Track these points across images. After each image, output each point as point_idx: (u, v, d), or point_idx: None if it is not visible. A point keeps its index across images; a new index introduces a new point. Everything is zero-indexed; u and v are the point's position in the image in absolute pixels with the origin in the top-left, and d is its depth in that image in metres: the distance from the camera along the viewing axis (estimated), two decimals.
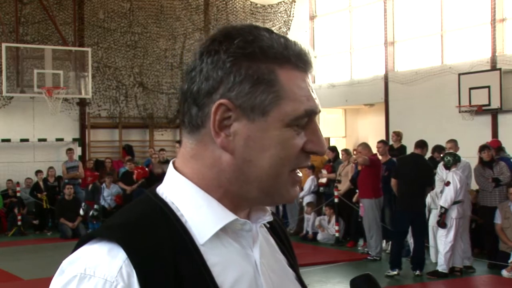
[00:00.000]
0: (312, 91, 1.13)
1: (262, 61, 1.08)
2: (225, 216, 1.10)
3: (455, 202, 9.16)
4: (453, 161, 9.34)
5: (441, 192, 9.42)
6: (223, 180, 1.10)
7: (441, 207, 9.21)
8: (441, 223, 9.20)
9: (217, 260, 1.08)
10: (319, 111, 1.14)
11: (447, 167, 9.36)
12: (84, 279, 1.01)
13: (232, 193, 1.11)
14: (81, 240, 1.09)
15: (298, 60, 1.12)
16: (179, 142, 11.45)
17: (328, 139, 18.30)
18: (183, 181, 1.13)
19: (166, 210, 1.10)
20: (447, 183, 9.20)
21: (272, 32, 1.12)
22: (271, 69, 1.09)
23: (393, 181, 9.80)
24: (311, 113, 1.11)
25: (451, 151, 9.81)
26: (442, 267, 9.25)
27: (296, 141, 1.10)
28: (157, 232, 1.06)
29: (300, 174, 1.16)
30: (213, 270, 1.06)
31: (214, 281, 1.05)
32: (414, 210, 9.33)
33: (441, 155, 9.78)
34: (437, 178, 9.78)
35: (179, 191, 1.12)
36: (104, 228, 1.10)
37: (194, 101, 1.10)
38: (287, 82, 1.09)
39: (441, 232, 9.32)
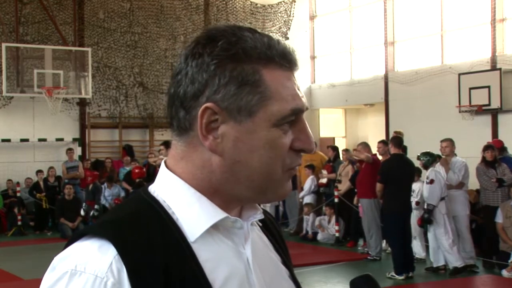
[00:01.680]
0: (298, 89, 1.14)
1: (246, 62, 1.09)
2: (216, 214, 1.11)
3: (441, 199, 9.39)
4: (432, 160, 9.44)
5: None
6: (214, 180, 1.11)
7: (430, 204, 9.35)
8: (429, 220, 9.39)
9: (209, 256, 1.08)
10: (306, 109, 1.14)
11: (426, 166, 9.51)
12: (75, 275, 1.02)
13: (223, 193, 1.12)
14: (72, 237, 1.10)
15: (282, 59, 1.12)
16: (165, 144, 11.48)
17: (333, 139, 18.29)
18: (175, 180, 1.13)
19: (157, 208, 1.11)
20: (431, 181, 9.32)
21: (255, 31, 1.12)
22: (255, 69, 1.09)
23: (378, 186, 9.55)
24: (298, 112, 1.12)
25: (427, 150, 9.81)
26: (458, 262, 9.29)
27: (283, 140, 1.10)
28: (148, 229, 1.06)
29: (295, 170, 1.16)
30: (205, 266, 1.07)
31: (205, 277, 1.06)
32: (404, 212, 9.32)
33: (418, 155, 9.77)
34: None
35: (170, 189, 1.13)
36: (96, 225, 1.11)
37: (181, 104, 1.11)
38: (272, 82, 1.10)
39: (439, 232, 9.37)
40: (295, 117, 1.11)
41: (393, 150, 9.56)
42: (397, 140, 9.64)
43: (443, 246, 9.41)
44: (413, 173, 9.65)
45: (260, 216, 1.19)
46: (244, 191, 1.12)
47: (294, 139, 1.12)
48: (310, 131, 1.14)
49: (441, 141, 10.03)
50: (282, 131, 1.10)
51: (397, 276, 9.19)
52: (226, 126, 1.09)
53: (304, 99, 1.13)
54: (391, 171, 9.35)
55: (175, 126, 1.14)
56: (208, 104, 1.08)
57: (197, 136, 1.10)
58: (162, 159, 11.65)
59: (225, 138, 1.09)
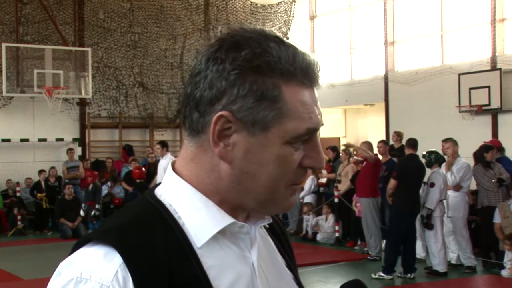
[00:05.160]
0: (316, 106, 1.13)
1: (268, 75, 1.07)
2: (223, 219, 1.10)
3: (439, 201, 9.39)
4: (435, 159, 9.41)
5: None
6: (221, 187, 1.10)
7: (428, 208, 9.33)
8: (429, 225, 9.36)
9: (214, 263, 1.08)
10: (322, 125, 1.14)
11: (429, 165, 9.47)
12: (80, 283, 1.01)
13: (230, 200, 1.11)
14: (78, 242, 1.09)
15: (304, 77, 1.11)
16: (161, 143, 11.55)
17: (339, 139, 18.25)
18: (182, 184, 1.12)
19: (164, 212, 1.10)
20: (432, 184, 9.30)
21: (281, 42, 1.10)
22: (276, 85, 1.07)
23: (393, 183, 9.45)
24: (313, 131, 1.11)
25: (433, 149, 9.78)
26: (440, 267, 9.29)
27: (294, 157, 1.10)
28: (154, 235, 1.06)
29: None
30: (210, 273, 1.06)
31: (209, 284, 1.05)
32: (414, 212, 9.31)
33: (423, 153, 9.75)
34: None
35: (177, 193, 1.12)
36: (101, 231, 1.10)
37: (196, 107, 1.10)
38: (291, 99, 1.09)
39: (429, 233, 9.41)
40: (308, 136, 1.11)
41: (408, 150, 9.55)
42: (412, 142, 9.57)
43: (430, 249, 9.48)
44: (423, 176, 9.52)
45: (268, 220, 1.19)
46: (249, 202, 1.11)
47: (304, 156, 1.11)
48: (321, 149, 1.14)
49: (443, 141, 9.94)
50: (294, 149, 1.09)
51: (385, 276, 9.16)
52: (238, 136, 1.08)
53: (320, 116, 1.13)
54: (408, 170, 9.28)
55: (187, 126, 1.13)
56: (223, 113, 1.06)
57: (208, 140, 1.09)
58: (160, 157, 11.71)
59: (236, 147, 1.08)
